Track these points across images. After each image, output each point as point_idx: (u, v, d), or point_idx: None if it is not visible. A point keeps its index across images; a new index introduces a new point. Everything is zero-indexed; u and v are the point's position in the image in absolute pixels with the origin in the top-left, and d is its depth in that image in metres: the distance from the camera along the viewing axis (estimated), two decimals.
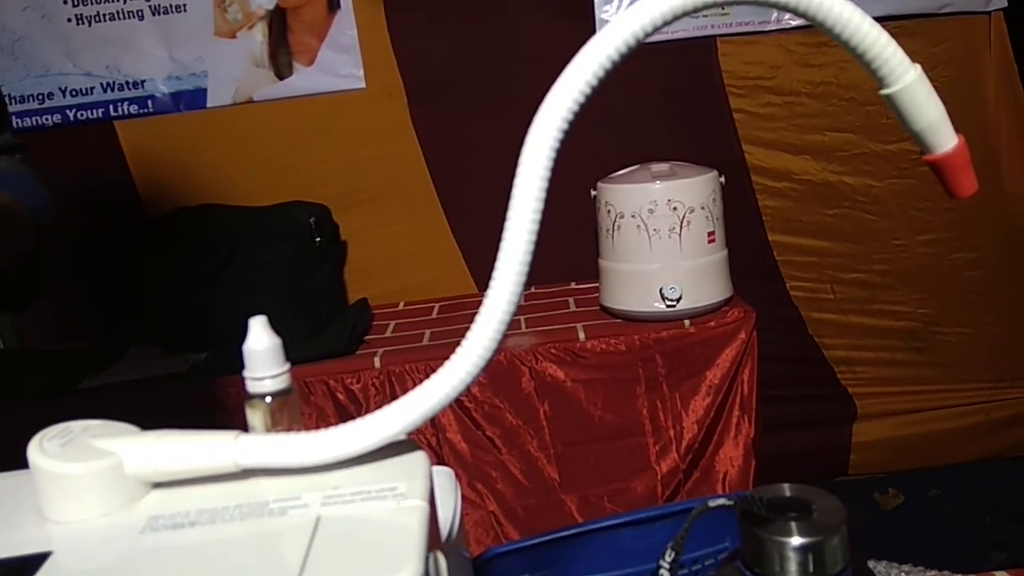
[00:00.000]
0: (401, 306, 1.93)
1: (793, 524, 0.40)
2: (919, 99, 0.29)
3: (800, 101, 1.88)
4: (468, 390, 1.32)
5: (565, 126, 0.30)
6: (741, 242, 1.71)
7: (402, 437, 0.34)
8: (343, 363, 1.59)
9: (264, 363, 0.35)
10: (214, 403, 1.40)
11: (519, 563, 0.65)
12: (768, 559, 0.40)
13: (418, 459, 0.33)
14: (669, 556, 0.42)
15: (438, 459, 1.58)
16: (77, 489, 0.30)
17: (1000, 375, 2.00)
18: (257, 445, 0.31)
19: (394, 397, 1.72)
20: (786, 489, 0.43)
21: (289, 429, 0.36)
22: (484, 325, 0.31)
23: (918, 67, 0.30)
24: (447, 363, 0.32)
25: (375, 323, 1.81)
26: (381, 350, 1.61)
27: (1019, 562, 0.75)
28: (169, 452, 0.31)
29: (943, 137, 0.30)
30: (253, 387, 0.35)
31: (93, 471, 0.31)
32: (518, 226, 0.30)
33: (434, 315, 1.84)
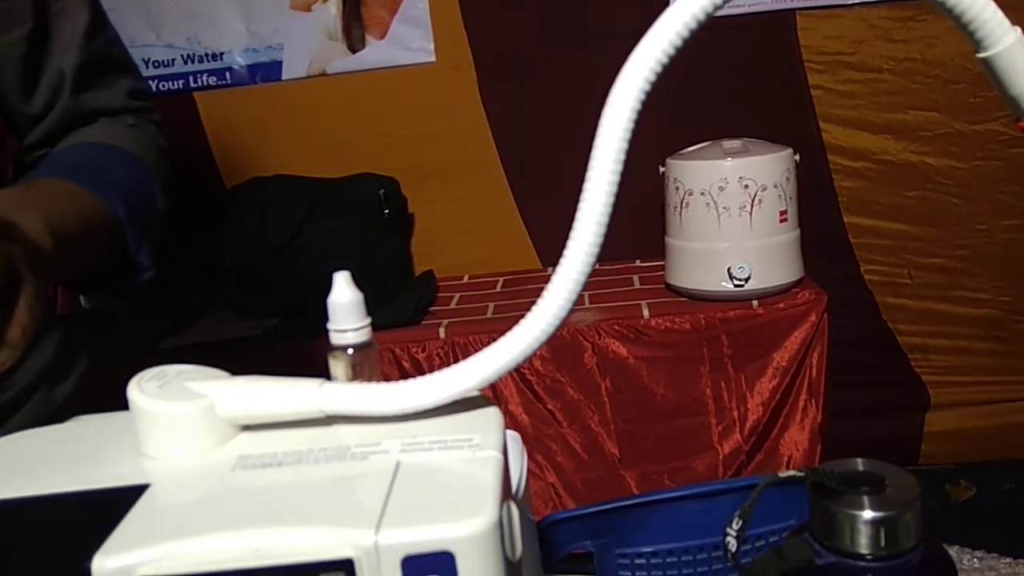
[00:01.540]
0: (466, 279, 1.95)
1: (865, 498, 0.40)
2: (1018, 63, 0.28)
3: (882, 78, 1.81)
4: (530, 363, 1.34)
5: (648, 87, 0.30)
6: (815, 223, 1.67)
7: (476, 393, 0.35)
8: (409, 332, 1.62)
9: (347, 316, 0.36)
10: (286, 366, 1.45)
11: (578, 530, 0.66)
12: (839, 532, 0.40)
13: (492, 414, 0.34)
14: (736, 524, 0.42)
15: None
16: (173, 428, 0.32)
17: None
18: (341, 393, 0.32)
19: None
20: (859, 464, 0.42)
21: (369, 380, 0.38)
22: (560, 286, 0.32)
23: (1018, 30, 0.29)
24: (522, 322, 0.33)
25: (440, 295, 1.84)
26: (446, 321, 1.63)
27: None
28: (258, 396, 0.33)
29: None
30: (336, 339, 0.36)
31: (188, 411, 0.32)
32: (598, 184, 0.31)
33: (498, 288, 1.86)
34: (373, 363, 0.37)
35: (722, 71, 1.86)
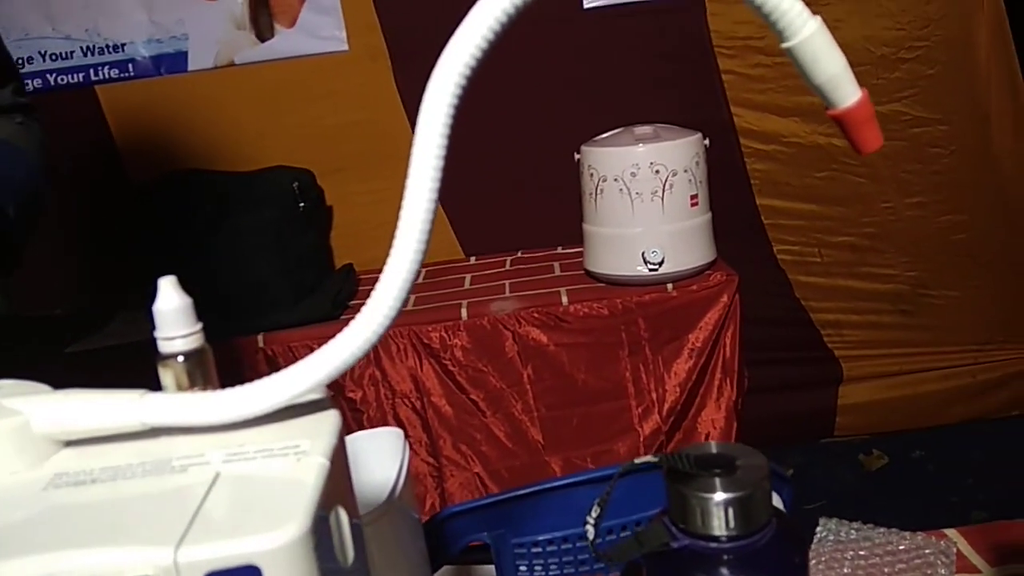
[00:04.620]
0: None
1: (716, 480, 0.40)
2: (819, 52, 0.29)
3: (790, 62, 1.85)
4: (451, 354, 1.34)
5: (459, 91, 0.30)
6: (728, 205, 1.71)
7: (315, 395, 0.34)
8: (329, 328, 1.59)
9: (174, 323, 0.35)
10: None
11: (474, 522, 0.66)
12: (691, 515, 0.41)
13: (328, 418, 0.33)
14: (595, 512, 0.42)
15: (423, 422, 1.59)
16: None
17: (987, 337, 2.00)
18: (163, 403, 0.31)
19: (378, 362, 1.70)
20: (713, 446, 0.43)
21: (204, 389, 0.36)
22: (390, 283, 0.31)
23: (818, 19, 0.29)
24: (353, 322, 0.32)
25: (362, 288, 1.81)
26: None
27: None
28: (75, 410, 0.31)
29: (845, 91, 0.30)
30: (164, 347, 0.35)
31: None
32: (419, 182, 0.30)
33: (421, 279, 1.85)
34: (208, 370, 0.36)
35: (636, 57, 1.88)
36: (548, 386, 1.58)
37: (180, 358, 0.35)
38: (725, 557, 0.40)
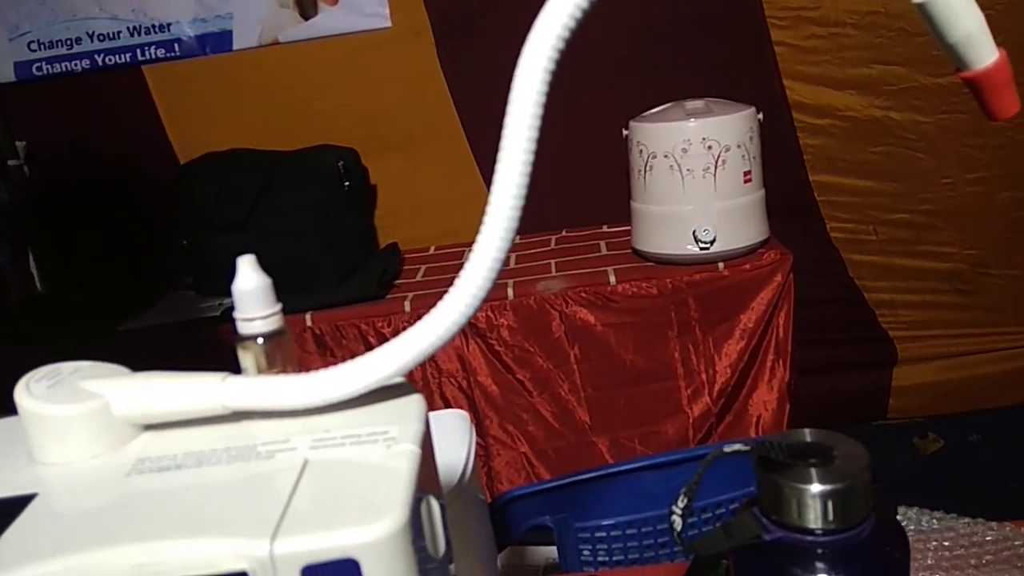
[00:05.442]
0: (432, 250, 1.92)
1: (813, 471, 0.38)
2: (957, 8, 0.26)
3: (846, 32, 1.79)
4: (498, 333, 1.32)
5: (556, 55, 0.28)
6: (781, 182, 1.66)
7: (397, 380, 0.32)
8: (374, 307, 1.59)
9: (255, 303, 0.33)
10: None
11: (539, 505, 0.65)
12: (786, 506, 0.39)
13: (413, 402, 0.32)
14: (682, 502, 0.40)
15: (469, 401, 1.59)
16: (64, 431, 0.30)
17: None
18: (245, 387, 0.30)
19: None
20: (807, 434, 0.41)
21: (283, 371, 0.35)
22: (478, 264, 0.30)
23: None
24: (440, 304, 0.31)
25: (406, 267, 1.81)
26: (411, 294, 1.61)
27: None
28: (156, 394, 0.30)
29: (982, 51, 0.27)
30: (244, 328, 0.34)
31: (80, 413, 0.30)
32: (510, 166, 0.28)
33: (464, 259, 1.83)
34: (287, 352, 0.34)
35: (685, 30, 1.82)
36: (595, 366, 1.56)
37: (260, 340, 0.34)
38: (821, 551, 0.38)
